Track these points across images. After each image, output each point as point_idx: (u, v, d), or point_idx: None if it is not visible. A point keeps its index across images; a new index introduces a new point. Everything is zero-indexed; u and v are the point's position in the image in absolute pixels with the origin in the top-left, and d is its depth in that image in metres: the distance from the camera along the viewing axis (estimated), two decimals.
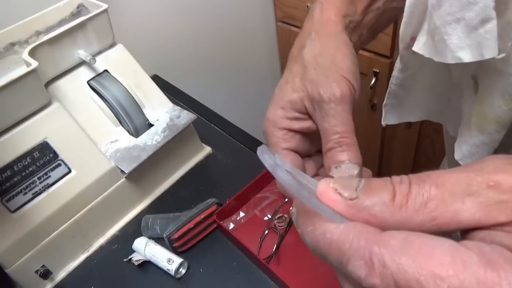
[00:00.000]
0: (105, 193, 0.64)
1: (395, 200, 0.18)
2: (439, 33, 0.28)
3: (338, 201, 0.19)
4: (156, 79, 0.95)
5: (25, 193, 0.58)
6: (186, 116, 0.69)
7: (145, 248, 0.61)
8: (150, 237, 0.64)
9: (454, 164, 0.33)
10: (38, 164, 0.58)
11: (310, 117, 0.33)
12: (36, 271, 0.59)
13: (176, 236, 0.60)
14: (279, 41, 1.38)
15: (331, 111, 0.30)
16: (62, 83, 0.65)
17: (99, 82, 0.67)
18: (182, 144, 0.73)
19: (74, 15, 0.69)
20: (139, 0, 0.98)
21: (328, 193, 0.20)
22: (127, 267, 0.62)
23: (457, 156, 0.36)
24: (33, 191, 0.58)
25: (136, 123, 0.68)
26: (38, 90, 0.57)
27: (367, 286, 0.17)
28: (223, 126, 0.83)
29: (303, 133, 0.34)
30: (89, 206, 0.63)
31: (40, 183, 0.59)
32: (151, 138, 0.67)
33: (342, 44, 0.33)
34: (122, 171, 0.64)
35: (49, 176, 0.59)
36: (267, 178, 0.68)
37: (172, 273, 0.59)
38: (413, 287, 0.16)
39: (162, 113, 0.70)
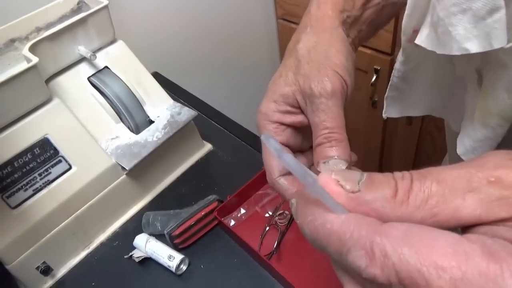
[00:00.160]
0: (106, 190, 0.64)
1: (397, 196, 0.18)
2: (443, 25, 0.27)
3: (340, 193, 0.19)
4: (157, 76, 0.95)
5: (26, 190, 0.57)
6: (186, 113, 0.69)
7: (146, 245, 0.61)
8: (151, 234, 0.64)
9: (456, 161, 0.33)
10: (38, 160, 0.58)
11: (302, 111, 0.32)
12: (37, 268, 0.59)
13: (177, 232, 0.60)
14: (280, 38, 1.38)
15: (322, 106, 0.30)
16: (62, 79, 0.65)
17: (100, 79, 0.67)
18: (183, 141, 0.72)
19: (74, 11, 0.69)
20: None
21: (329, 184, 0.19)
22: (128, 263, 0.62)
23: (459, 150, 0.36)
24: (34, 187, 0.58)
25: (136, 119, 0.68)
26: (38, 86, 0.57)
27: (367, 277, 0.17)
28: (223, 123, 0.83)
29: (295, 127, 0.34)
30: (90, 202, 0.63)
31: (40, 179, 0.59)
32: (152, 135, 0.66)
33: (337, 39, 0.33)
34: (123, 168, 0.64)
35: (50, 173, 0.59)
36: None
37: (173, 269, 0.59)
38: (414, 277, 0.16)
39: (162, 109, 0.70)
